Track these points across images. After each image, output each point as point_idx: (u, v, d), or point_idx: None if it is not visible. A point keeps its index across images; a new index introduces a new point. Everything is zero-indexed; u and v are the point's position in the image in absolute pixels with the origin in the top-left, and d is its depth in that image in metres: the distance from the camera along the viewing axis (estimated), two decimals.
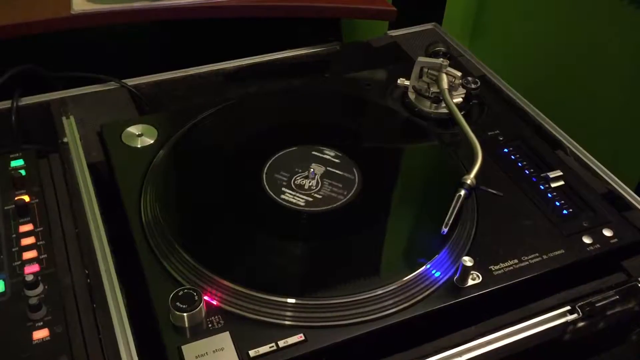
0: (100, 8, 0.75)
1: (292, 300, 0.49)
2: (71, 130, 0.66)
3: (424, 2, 1.02)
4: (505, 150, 0.68)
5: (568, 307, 0.52)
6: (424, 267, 0.52)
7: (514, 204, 0.61)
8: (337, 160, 0.64)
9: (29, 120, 0.71)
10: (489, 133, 0.70)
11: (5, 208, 0.57)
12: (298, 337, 0.48)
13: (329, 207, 0.59)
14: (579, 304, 0.53)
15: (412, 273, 0.52)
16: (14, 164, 0.61)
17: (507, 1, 1.14)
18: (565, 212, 0.60)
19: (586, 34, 1.00)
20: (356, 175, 0.62)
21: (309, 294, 0.50)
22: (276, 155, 0.64)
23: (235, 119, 0.70)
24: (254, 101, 0.75)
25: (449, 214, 0.56)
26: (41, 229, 0.55)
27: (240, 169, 0.63)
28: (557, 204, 0.61)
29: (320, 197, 0.59)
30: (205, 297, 0.49)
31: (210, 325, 0.48)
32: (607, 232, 0.58)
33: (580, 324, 0.53)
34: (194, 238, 0.55)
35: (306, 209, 0.58)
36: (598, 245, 0.57)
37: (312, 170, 0.62)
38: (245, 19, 0.82)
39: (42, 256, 0.53)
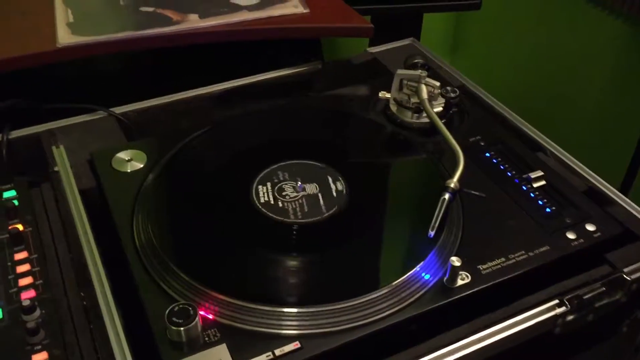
0: (85, 40, 0.76)
1: (286, 310, 0.50)
2: (61, 159, 0.67)
3: (401, 18, 1.05)
4: (487, 154, 0.69)
5: (556, 301, 0.54)
6: (413, 270, 0.54)
7: (499, 205, 0.62)
8: (324, 173, 0.65)
9: (20, 152, 0.72)
10: (470, 139, 0.72)
11: (0, 238, 0.57)
12: (294, 345, 0.48)
13: (319, 218, 0.60)
14: (567, 297, 0.54)
15: (402, 277, 0.53)
16: (7, 194, 0.62)
17: (484, 16, 1.18)
18: (548, 210, 0.62)
19: (562, 41, 1.03)
20: (344, 186, 0.64)
21: (303, 303, 0.51)
22: (264, 172, 0.65)
23: (221, 140, 0.72)
24: (238, 122, 0.77)
25: (435, 217, 0.57)
26: (36, 255, 0.56)
27: (228, 186, 0.64)
28: (540, 202, 0.63)
29: (309, 209, 0.61)
30: (201, 312, 0.50)
31: (207, 339, 0.49)
32: (590, 227, 0.60)
33: (570, 317, 0.54)
34: (186, 255, 0.56)
35: (296, 220, 0.59)
36: (582, 240, 0.58)
37: (299, 184, 0.63)
38: (227, 43, 0.84)
39: (38, 282, 0.54)
